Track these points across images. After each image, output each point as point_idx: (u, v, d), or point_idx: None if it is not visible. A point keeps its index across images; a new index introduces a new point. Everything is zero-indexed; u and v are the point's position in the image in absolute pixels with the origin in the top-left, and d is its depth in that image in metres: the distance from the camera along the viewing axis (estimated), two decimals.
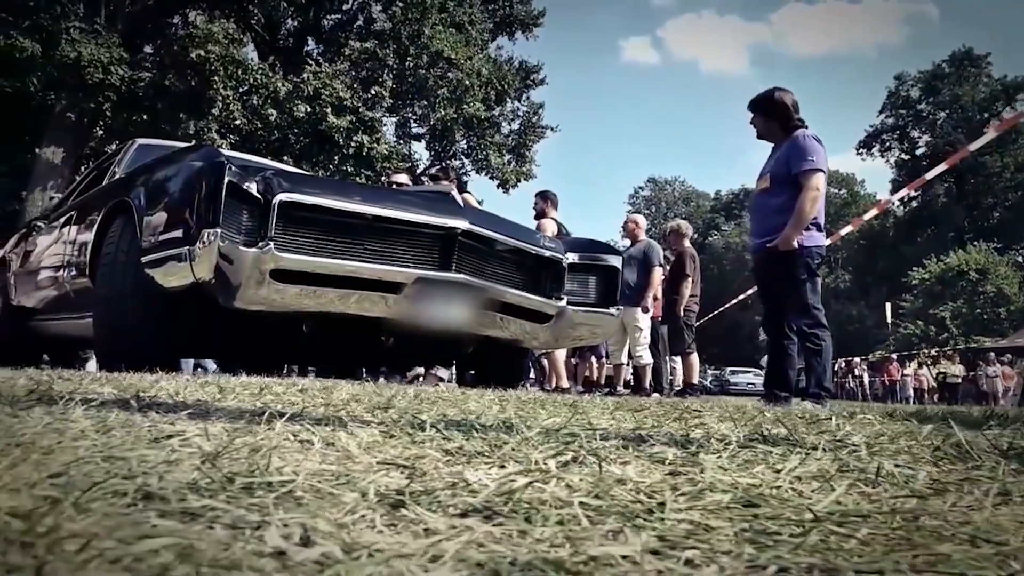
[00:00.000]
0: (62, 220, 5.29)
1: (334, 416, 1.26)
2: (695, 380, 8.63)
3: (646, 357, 8.09)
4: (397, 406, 1.52)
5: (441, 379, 7.22)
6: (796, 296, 4.59)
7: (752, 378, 31.56)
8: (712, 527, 0.58)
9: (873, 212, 14.59)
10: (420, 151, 26.04)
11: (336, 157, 20.46)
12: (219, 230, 3.28)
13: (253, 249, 3.39)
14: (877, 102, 62.44)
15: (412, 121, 25.27)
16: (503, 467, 0.81)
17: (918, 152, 51.28)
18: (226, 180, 3.32)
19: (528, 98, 25.98)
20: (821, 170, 4.61)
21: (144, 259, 3.56)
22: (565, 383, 7.56)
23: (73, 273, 4.53)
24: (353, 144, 20.23)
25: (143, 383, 1.97)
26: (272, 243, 3.42)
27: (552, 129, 25.93)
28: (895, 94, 52.01)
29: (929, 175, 7.56)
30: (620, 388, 8.54)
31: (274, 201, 3.46)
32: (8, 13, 17.12)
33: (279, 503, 0.59)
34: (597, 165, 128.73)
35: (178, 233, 3.40)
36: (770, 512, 0.63)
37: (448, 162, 22.54)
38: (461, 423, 1.22)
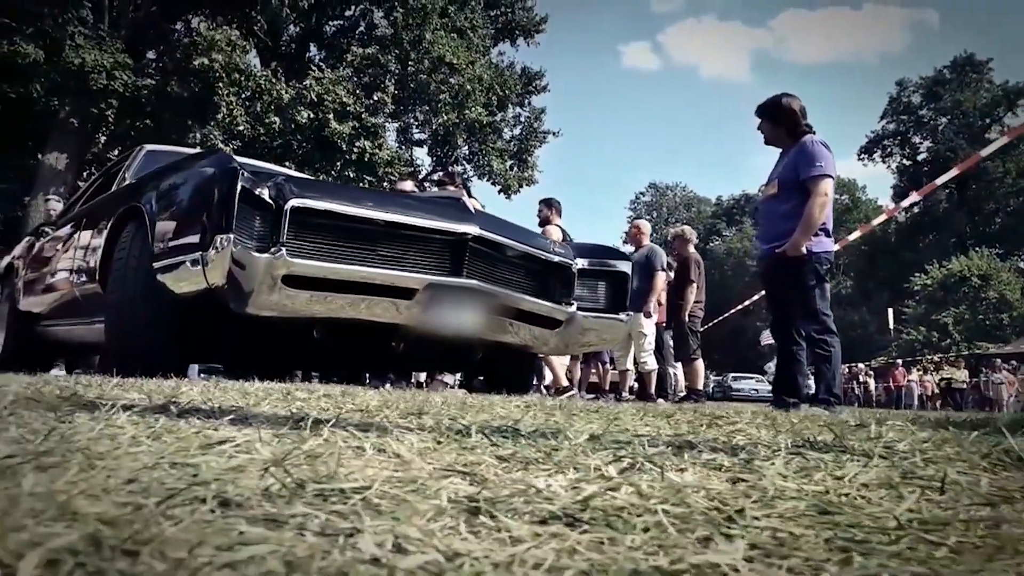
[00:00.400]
0: (71, 226, 5.29)
1: (372, 422, 1.25)
2: (700, 386, 8.59)
3: (651, 363, 8.08)
4: (430, 412, 1.52)
5: (447, 384, 7.22)
6: (805, 302, 4.59)
7: (755, 384, 31.51)
8: (797, 535, 0.58)
9: (882, 218, 14.60)
10: (422, 157, 26.12)
11: (338, 163, 20.51)
12: (232, 236, 3.27)
13: (265, 255, 3.38)
14: (878, 108, 62.57)
15: (414, 126, 25.33)
16: (563, 473, 0.81)
17: (919, 158, 51.35)
18: (239, 186, 3.32)
19: (530, 103, 26.07)
20: (830, 176, 4.62)
21: (156, 264, 3.56)
22: (564, 382, 7.55)
23: (83, 279, 4.53)
24: (355, 150, 20.29)
25: (163, 388, 1.97)
26: (284, 249, 3.42)
27: (554, 134, 25.99)
28: (896, 100, 52.09)
29: (940, 180, 7.54)
30: (625, 394, 8.53)
31: (286, 207, 3.46)
32: (11, 19, 17.16)
33: (361, 510, 0.58)
34: (598, 170, 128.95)
35: (191, 239, 3.39)
36: (848, 520, 0.63)
37: (452, 167, 22.59)
38: (503, 429, 1.22)
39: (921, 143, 51.91)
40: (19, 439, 0.81)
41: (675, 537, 0.55)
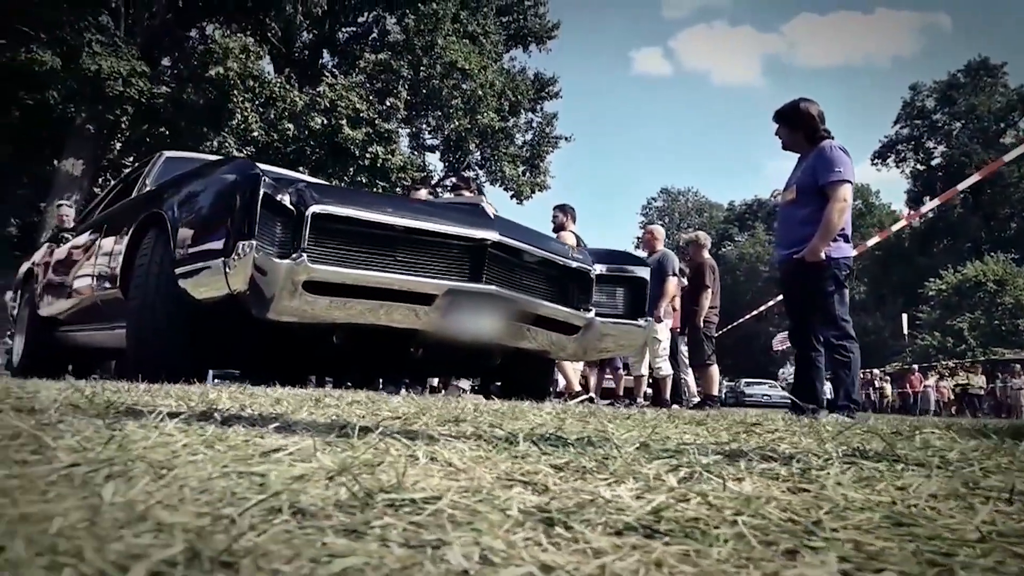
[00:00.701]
0: (91, 232, 5.32)
1: (414, 430, 1.25)
2: (715, 392, 8.56)
3: (666, 368, 8.07)
4: (467, 419, 1.51)
5: (463, 390, 7.22)
6: (824, 308, 4.58)
7: (767, 389, 31.31)
8: (880, 548, 0.57)
9: (902, 223, 14.56)
10: (434, 162, 26.18)
11: (351, 168, 20.58)
12: (254, 242, 3.29)
13: (287, 261, 3.39)
14: (890, 112, 62.32)
15: (426, 132, 25.41)
16: (623, 483, 0.80)
17: (933, 163, 50.99)
18: (261, 192, 3.34)
19: (542, 108, 26.10)
20: (849, 181, 4.62)
21: (178, 270, 3.58)
22: (577, 388, 7.51)
23: (104, 285, 4.55)
24: (368, 155, 20.36)
25: (191, 394, 1.97)
26: (305, 254, 3.43)
27: (566, 139, 26.01)
28: (910, 104, 51.77)
29: (961, 185, 7.48)
30: (640, 400, 8.51)
31: (307, 213, 3.47)
32: (30, 27, 17.34)
33: (437, 521, 0.58)
34: (609, 175, 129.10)
35: (213, 245, 3.41)
36: (927, 532, 0.62)
37: (465, 172, 22.64)
38: (548, 437, 1.21)
39: (935, 148, 51.52)
40: (77, 447, 0.81)
41: (760, 550, 0.54)
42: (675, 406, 7.70)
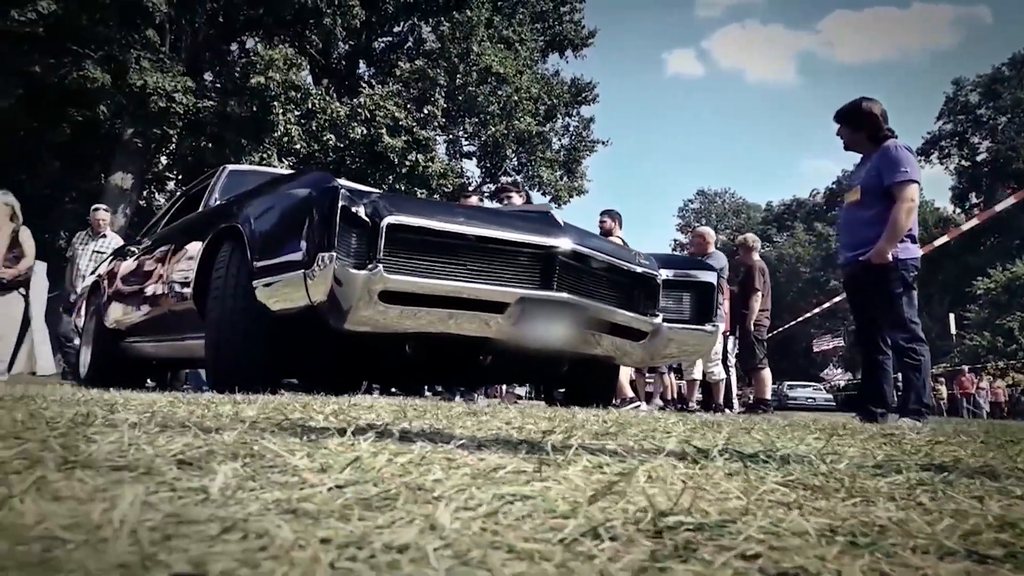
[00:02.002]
0: (159, 245, 5.43)
1: (584, 445, 1.25)
2: (767, 396, 8.47)
3: (718, 372, 8.01)
4: (616, 433, 1.51)
5: (520, 396, 7.24)
6: (892, 310, 4.51)
7: (811, 392, 30.74)
8: None
9: (973, 221, 14.18)
10: (471, 168, 26.26)
11: (390, 176, 20.75)
12: (334, 253, 3.34)
13: (363, 271, 3.43)
14: (931, 108, 61.06)
15: (463, 139, 25.51)
16: (873, 503, 0.79)
17: (979, 158, 49.73)
18: (340, 204, 3.38)
19: (578, 112, 26.06)
20: (916, 181, 4.55)
21: (256, 283, 3.64)
22: (629, 393, 7.49)
23: (176, 297, 4.64)
24: (407, 163, 20.50)
25: (291, 405, 2.00)
26: (381, 265, 3.46)
27: (603, 143, 25.92)
28: (953, 99, 50.59)
29: None
30: (692, 404, 8.47)
31: (382, 224, 3.50)
32: (80, 46, 17.80)
33: (759, 547, 0.57)
34: (645, 178, 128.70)
35: (292, 256, 3.46)
36: None
37: (503, 177, 22.69)
38: (733, 453, 1.20)
39: (980, 143, 50.25)
40: (320, 468, 0.82)
41: None
42: (727, 411, 7.64)
